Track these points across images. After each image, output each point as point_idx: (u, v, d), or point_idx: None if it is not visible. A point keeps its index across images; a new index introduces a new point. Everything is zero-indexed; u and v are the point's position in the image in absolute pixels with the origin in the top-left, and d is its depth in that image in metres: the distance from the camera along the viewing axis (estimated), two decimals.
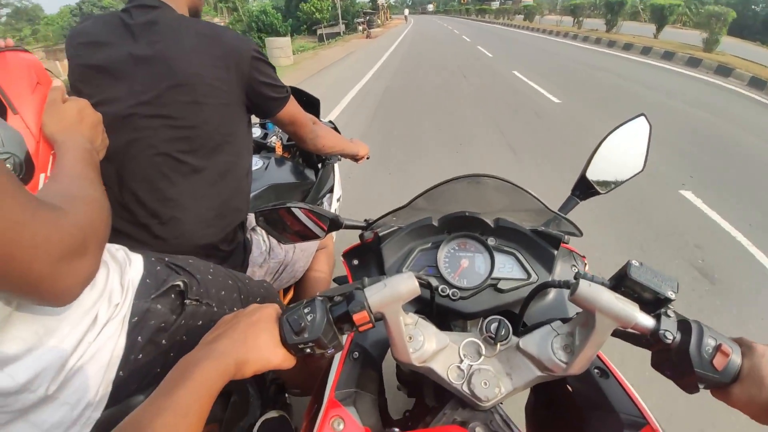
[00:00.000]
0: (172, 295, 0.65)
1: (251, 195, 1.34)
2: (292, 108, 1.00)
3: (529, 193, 0.70)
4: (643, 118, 0.79)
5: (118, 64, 0.81)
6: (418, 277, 0.50)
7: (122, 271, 0.60)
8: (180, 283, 0.66)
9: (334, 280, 0.82)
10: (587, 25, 19.90)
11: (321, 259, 1.38)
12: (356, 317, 0.47)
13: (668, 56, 10.71)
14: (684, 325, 0.45)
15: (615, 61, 10.63)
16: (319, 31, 28.15)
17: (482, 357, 0.53)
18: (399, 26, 37.66)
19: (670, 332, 0.44)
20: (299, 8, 28.13)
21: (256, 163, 1.59)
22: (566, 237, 0.69)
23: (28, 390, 0.46)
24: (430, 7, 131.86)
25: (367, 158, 1.45)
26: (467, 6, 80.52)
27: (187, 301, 0.66)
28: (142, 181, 0.84)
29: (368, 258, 0.76)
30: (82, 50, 0.82)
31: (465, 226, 0.72)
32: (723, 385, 0.43)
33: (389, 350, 0.55)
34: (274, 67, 0.94)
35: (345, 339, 0.52)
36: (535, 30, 22.87)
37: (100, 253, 0.49)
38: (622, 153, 0.79)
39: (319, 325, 0.46)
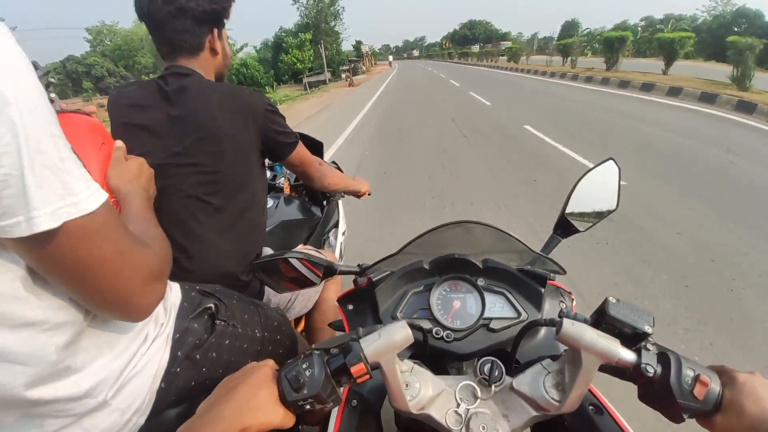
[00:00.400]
0: (205, 317, 0.74)
1: (266, 231, 1.46)
2: (301, 151, 1.13)
3: (513, 237, 0.74)
4: (611, 161, 0.85)
5: (157, 124, 0.95)
6: (410, 323, 0.51)
7: (166, 297, 0.69)
8: (212, 305, 0.75)
9: (330, 325, 0.84)
10: (581, 64, 19.12)
11: (330, 289, 1.45)
12: (353, 369, 0.47)
13: (708, 98, 8.68)
14: (663, 357, 0.47)
15: (638, 105, 8.88)
16: (304, 80, 28.38)
17: (478, 400, 0.53)
18: (383, 72, 37.33)
19: (651, 365, 0.46)
20: (281, 59, 28.60)
21: (268, 201, 1.70)
22: (552, 275, 0.72)
23: (90, 396, 0.53)
24: (415, 53, 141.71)
25: (369, 194, 1.55)
26: (449, 50, 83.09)
27: (218, 322, 0.75)
28: (173, 221, 0.96)
29: (363, 302, 0.77)
30: (126, 111, 0.97)
31: (455, 268, 0.74)
32: (707, 414, 0.45)
33: (387, 397, 0.55)
34: (284, 117, 1.08)
35: (342, 391, 0.52)
36: (525, 71, 21.80)
37: (167, 281, 0.59)
38: (595, 193, 0.85)
39: (318, 379, 0.46)
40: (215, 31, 1.02)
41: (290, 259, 0.75)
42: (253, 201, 1.05)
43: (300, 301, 1.27)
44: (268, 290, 1.15)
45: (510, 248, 0.77)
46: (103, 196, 0.44)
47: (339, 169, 2.00)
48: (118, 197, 0.70)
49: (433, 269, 0.75)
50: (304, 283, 0.78)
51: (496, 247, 0.78)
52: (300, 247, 1.48)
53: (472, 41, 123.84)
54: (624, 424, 0.55)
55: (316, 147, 2.03)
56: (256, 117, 1.00)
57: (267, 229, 1.46)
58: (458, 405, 0.53)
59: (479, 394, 0.54)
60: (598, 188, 0.85)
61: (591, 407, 0.58)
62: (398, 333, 0.50)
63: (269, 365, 0.50)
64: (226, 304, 0.79)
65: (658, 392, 0.46)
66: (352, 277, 0.81)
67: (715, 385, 0.44)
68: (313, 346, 0.51)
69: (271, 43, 43.87)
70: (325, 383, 0.47)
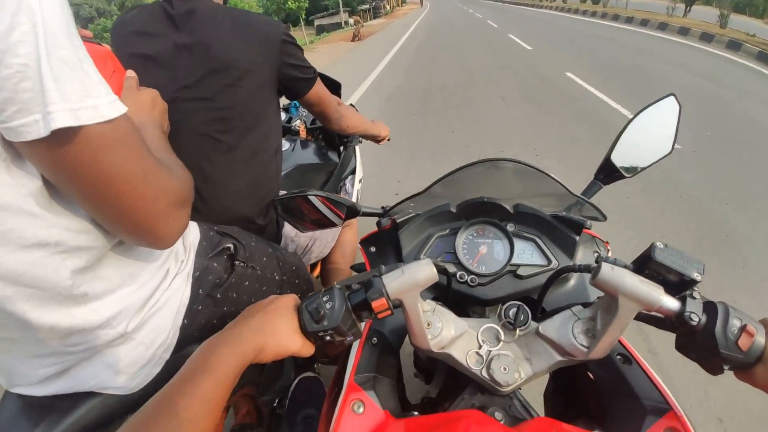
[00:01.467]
0: (225, 256, 0.73)
1: (282, 173, 1.42)
2: (319, 89, 1.06)
3: (551, 177, 0.69)
4: (672, 98, 0.77)
5: (163, 53, 0.89)
6: (435, 264, 0.51)
7: (184, 235, 0.68)
8: (231, 245, 0.74)
9: (352, 267, 0.84)
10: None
11: (346, 235, 1.44)
12: (375, 304, 0.48)
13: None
14: (709, 306, 0.45)
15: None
16: (316, 22, 25.06)
17: (501, 343, 0.53)
18: (410, 14, 28.35)
19: (696, 314, 0.44)
20: None
21: (284, 144, 1.67)
22: (588, 222, 0.68)
23: (109, 326, 0.53)
24: None
25: (388, 140, 1.50)
26: None
27: (237, 262, 0.74)
28: (186, 161, 0.92)
29: (385, 245, 0.77)
30: (130, 39, 0.90)
31: (484, 212, 0.72)
32: (747, 366, 0.43)
33: (407, 337, 0.56)
34: (302, 49, 1.00)
35: (363, 326, 0.52)
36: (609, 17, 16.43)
37: (191, 206, 0.57)
38: (649, 135, 0.77)
39: (338, 312, 0.47)
40: None
41: (311, 198, 0.73)
42: (266, 141, 1.01)
43: (317, 246, 1.26)
44: (285, 235, 1.14)
45: (546, 190, 0.74)
46: (123, 107, 0.42)
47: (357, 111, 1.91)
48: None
49: (461, 213, 0.73)
50: (326, 223, 0.77)
51: (530, 190, 0.75)
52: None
53: None
54: (654, 376, 0.54)
55: (334, 87, 1.93)
56: (272, 48, 0.92)
57: (283, 173, 1.44)
58: (480, 346, 0.53)
59: (502, 337, 0.53)
60: (653, 128, 0.77)
61: (619, 357, 0.57)
62: (422, 270, 0.49)
63: (291, 297, 0.52)
64: (245, 245, 0.78)
65: (700, 342, 0.45)
66: (373, 220, 0.79)
67: (761, 337, 0.43)
68: (335, 282, 0.51)
69: None
70: (345, 316, 0.48)
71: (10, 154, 0.38)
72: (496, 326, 0.54)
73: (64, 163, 0.39)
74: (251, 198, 1.01)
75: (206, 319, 0.68)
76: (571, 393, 0.69)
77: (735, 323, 0.43)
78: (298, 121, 1.90)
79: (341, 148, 1.87)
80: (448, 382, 0.71)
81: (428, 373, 0.85)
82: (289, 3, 18.89)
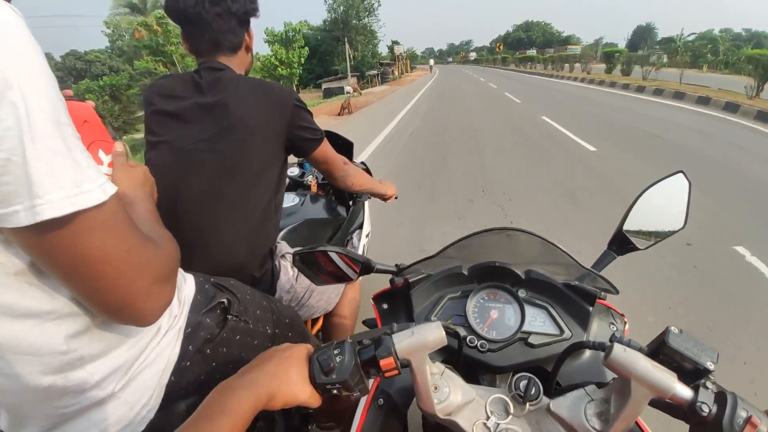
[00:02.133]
0: (218, 311, 0.73)
1: (288, 228, 1.46)
2: (326, 149, 1.14)
3: (561, 249, 0.71)
4: (681, 175, 0.79)
5: (187, 111, 0.99)
6: (445, 327, 0.51)
7: (180, 289, 0.68)
8: (225, 300, 0.75)
9: (363, 322, 0.84)
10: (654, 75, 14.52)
11: (349, 293, 1.44)
12: (383, 363, 0.48)
13: None
14: (720, 397, 0.44)
15: None
16: (324, 86, 25.22)
17: (510, 416, 0.52)
18: (417, 81, 27.71)
19: (707, 405, 0.43)
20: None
21: (293, 199, 1.73)
22: (602, 293, 0.68)
23: (99, 387, 0.52)
24: (473, 55, 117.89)
25: (395, 198, 1.54)
26: (503, 54, 65.47)
27: (230, 317, 0.74)
28: (189, 210, 0.97)
29: (397, 303, 0.77)
30: (158, 99, 1.01)
31: (495, 277, 0.72)
32: None
33: (414, 399, 0.55)
34: (311, 113, 1.10)
35: (371, 383, 0.52)
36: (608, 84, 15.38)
37: (176, 283, 0.57)
38: (660, 208, 0.79)
39: (347, 367, 0.48)
40: (250, 30, 1.08)
41: (330, 253, 0.75)
42: (269, 194, 1.06)
43: (315, 299, 1.26)
44: (280, 287, 1.15)
45: (556, 260, 0.74)
46: (112, 188, 0.43)
47: (368, 170, 2.01)
48: (125, 201, 0.70)
49: (472, 276, 0.74)
50: (341, 277, 0.79)
51: (541, 258, 0.75)
52: None
53: (527, 45, 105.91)
54: None
55: (346, 147, 2.06)
56: (284, 110, 1.02)
57: (290, 227, 1.48)
58: (488, 417, 0.52)
59: (512, 410, 0.52)
60: (664, 202, 0.79)
61: None
62: (432, 333, 0.49)
63: (305, 346, 0.53)
64: (240, 298, 0.79)
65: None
66: (381, 277, 0.80)
67: (764, 427, 0.42)
68: (348, 336, 0.52)
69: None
70: (354, 371, 0.48)
71: (2, 236, 0.40)
72: (505, 397, 0.53)
73: (42, 247, 0.40)
74: (248, 249, 1.04)
75: (194, 375, 0.66)
76: None
77: (741, 414, 0.42)
78: (311, 176, 2.00)
79: (350, 203, 1.93)
80: None
81: None
82: (279, 70, 18.91)
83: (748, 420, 0.42)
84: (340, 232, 1.74)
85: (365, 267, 0.76)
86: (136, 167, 0.72)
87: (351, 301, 1.43)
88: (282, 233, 1.42)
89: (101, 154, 0.69)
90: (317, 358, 0.49)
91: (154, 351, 0.60)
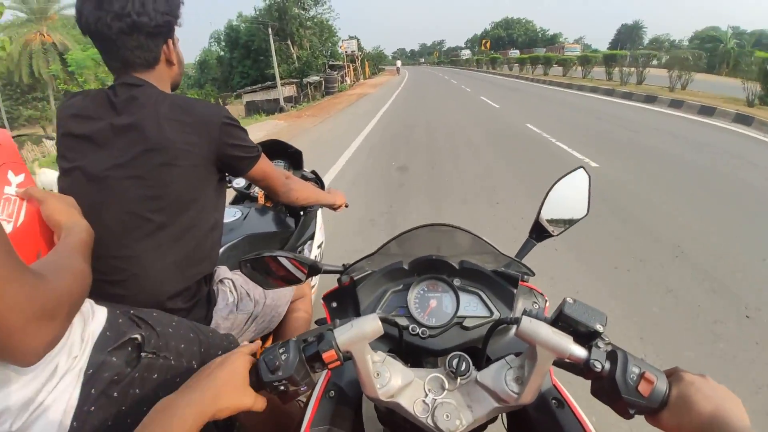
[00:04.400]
0: (129, 348, 0.70)
1: (227, 245, 1.41)
2: (264, 165, 1.10)
3: (486, 241, 0.81)
4: (582, 170, 0.94)
5: (100, 134, 0.92)
6: (384, 319, 0.57)
7: (85, 324, 0.65)
8: (138, 336, 0.71)
9: (315, 322, 0.89)
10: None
11: (300, 307, 1.42)
12: (325, 356, 0.54)
13: None
14: (612, 355, 0.51)
15: None
16: (246, 98, 18.85)
17: (445, 391, 0.59)
18: (377, 91, 20.66)
19: (599, 361, 0.50)
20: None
21: (235, 213, 1.68)
22: (525, 276, 0.78)
23: None
24: (466, 54, 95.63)
25: (346, 206, 1.55)
26: (489, 54, 52.83)
27: (143, 354, 0.71)
28: (107, 240, 0.91)
29: (346, 300, 0.83)
30: (70, 122, 0.94)
31: (433, 269, 0.79)
32: (652, 411, 0.49)
33: None
34: (244, 130, 1.05)
35: (319, 378, 0.58)
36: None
37: (69, 320, 0.55)
38: (568, 200, 0.92)
39: (292, 363, 0.53)
40: (170, 41, 1.00)
41: (279, 257, 0.80)
42: (202, 218, 1.01)
43: (260, 323, 1.24)
44: (216, 314, 1.12)
45: (485, 251, 0.84)
46: None
47: (318, 178, 1.98)
48: (59, 231, 0.69)
49: (412, 269, 0.81)
50: (291, 279, 0.83)
51: (472, 250, 0.84)
52: None
53: (507, 44, 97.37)
54: (582, 417, 0.62)
55: (294, 155, 2.01)
56: (210, 130, 0.96)
57: (230, 243, 1.44)
58: (426, 395, 0.58)
59: (446, 386, 0.59)
60: (570, 194, 0.92)
61: (554, 401, 0.64)
62: (369, 324, 0.56)
63: (242, 353, 0.56)
64: (159, 332, 0.75)
65: (606, 388, 0.51)
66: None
67: (662, 384, 0.48)
68: (293, 337, 0.57)
69: (223, 38, 29.95)
70: (299, 367, 0.53)
71: None
72: (441, 375, 0.60)
73: None
74: (178, 277, 0.99)
75: (100, 421, 0.63)
76: None
77: (633, 370, 0.49)
78: (257, 188, 1.93)
79: (301, 213, 1.90)
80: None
81: (392, 427, 0.86)
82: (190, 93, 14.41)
83: (641, 375, 0.48)
84: (288, 245, 1.71)
85: (312, 268, 0.81)
86: (67, 197, 0.74)
87: (300, 318, 1.41)
88: (221, 251, 1.36)
89: (10, 174, 0.70)
90: (263, 359, 0.54)
91: (51, 395, 0.57)
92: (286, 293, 1.32)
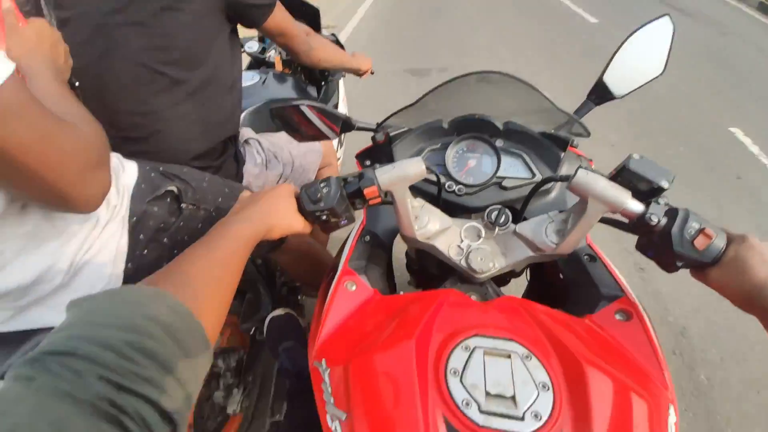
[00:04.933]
0: (168, 200, 0.72)
1: (249, 110, 1.36)
2: (280, 16, 0.99)
3: (542, 94, 0.75)
4: (667, 18, 0.80)
5: None
6: (427, 167, 0.56)
7: (117, 176, 0.66)
8: (174, 188, 0.73)
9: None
10: None
11: (326, 176, 1.40)
12: (366, 191, 0.54)
13: None
14: (672, 211, 0.50)
15: None
16: None
17: (481, 239, 0.61)
18: None
19: (656, 215, 0.49)
20: None
21: (253, 77, 1.57)
22: (574, 140, 0.74)
23: (43, 281, 0.55)
24: None
25: (371, 73, 1.44)
26: None
27: (183, 205, 0.74)
28: (122, 93, 0.88)
29: (380, 158, 0.82)
30: None
31: (474, 128, 0.77)
32: (702, 266, 0.49)
33: (398, 237, 0.63)
34: None
35: (357, 214, 0.60)
36: None
37: (109, 162, 0.56)
38: (641, 56, 0.81)
39: (334, 196, 0.54)
40: None
41: (304, 110, 0.75)
42: (218, 75, 0.96)
43: (288, 182, 1.23)
44: (246, 173, 1.12)
45: (536, 107, 0.79)
46: (7, 68, 0.39)
47: (338, 43, 1.79)
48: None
49: (452, 128, 0.78)
50: (319, 136, 0.80)
51: (521, 107, 0.80)
52: None
53: None
54: (614, 270, 0.63)
55: (310, 15, 1.78)
56: None
57: (251, 108, 1.38)
58: (461, 241, 0.61)
59: (483, 235, 0.61)
60: (646, 49, 0.81)
61: (586, 256, 0.66)
62: (413, 166, 0.55)
63: (288, 186, 0.58)
64: (194, 186, 0.77)
65: (657, 242, 0.51)
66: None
67: (720, 241, 0.47)
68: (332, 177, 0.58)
69: None
70: (340, 200, 0.55)
71: None
72: (478, 225, 0.62)
73: None
74: (203, 136, 0.97)
75: (155, 264, 0.68)
76: (545, 295, 0.79)
77: (694, 225, 0.48)
78: (273, 51, 1.77)
79: (323, 82, 1.76)
80: (433, 278, 0.79)
81: (420, 277, 0.95)
82: None
83: (701, 230, 0.47)
84: None
85: (345, 124, 0.78)
86: (27, 28, 0.59)
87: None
88: (242, 116, 1.31)
89: None
90: (305, 191, 0.56)
91: (97, 242, 0.61)
92: (313, 159, 1.31)
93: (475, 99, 0.78)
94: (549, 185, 0.74)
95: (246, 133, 1.20)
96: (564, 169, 0.75)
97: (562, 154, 0.73)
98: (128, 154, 0.89)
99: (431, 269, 0.80)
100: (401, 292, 0.75)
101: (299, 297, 1.40)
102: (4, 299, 0.53)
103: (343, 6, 5.44)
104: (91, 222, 0.60)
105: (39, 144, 0.42)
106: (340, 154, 1.83)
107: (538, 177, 0.72)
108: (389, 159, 0.77)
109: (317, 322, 0.58)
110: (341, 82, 1.84)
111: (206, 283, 0.41)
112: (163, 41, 0.86)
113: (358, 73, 1.39)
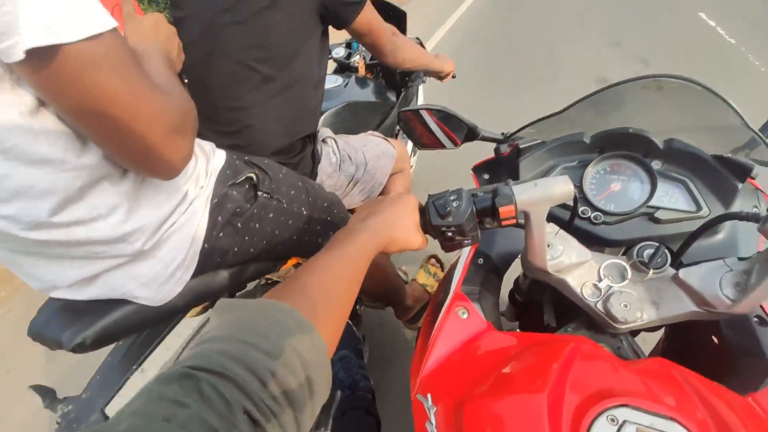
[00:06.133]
0: (246, 186, 0.75)
1: (329, 111, 1.39)
2: (369, 16, 1.00)
3: (727, 103, 0.61)
4: None
5: None
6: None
7: (208, 160, 0.71)
8: (253, 175, 0.75)
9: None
10: None
11: (398, 182, 1.38)
12: (503, 210, 0.48)
13: None
14: None
15: None
16: None
17: (626, 281, 0.51)
18: None
19: None
20: None
21: (336, 80, 1.62)
22: (755, 171, 0.61)
23: (125, 241, 0.57)
24: None
25: (453, 77, 1.40)
26: None
27: (259, 193, 0.76)
28: (221, 90, 0.93)
29: (500, 173, 0.75)
30: None
31: (625, 146, 0.65)
32: None
33: (519, 257, 0.57)
34: None
35: (481, 235, 0.55)
36: None
37: (194, 136, 0.58)
38: None
39: (464, 211, 0.49)
40: None
41: (427, 120, 0.74)
42: (306, 74, 0.99)
43: (359, 188, 1.25)
44: (321, 172, 1.14)
45: (712, 123, 0.66)
46: (110, 22, 0.41)
47: (422, 45, 1.76)
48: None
49: (596, 144, 0.68)
50: (438, 145, 0.79)
51: (691, 121, 0.68)
52: (369, 133, 1.38)
53: None
54: None
55: (397, 17, 1.79)
56: None
57: (332, 110, 1.41)
58: (600, 280, 0.52)
59: (629, 276, 0.52)
60: None
61: (756, 319, 0.54)
62: (559, 186, 0.48)
63: (412, 196, 0.56)
64: (271, 177, 0.79)
65: None
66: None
67: None
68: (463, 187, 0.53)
69: None
70: (470, 217, 0.50)
71: (15, 75, 0.41)
72: (624, 263, 0.52)
73: (46, 83, 0.40)
74: (286, 132, 1.01)
75: (228, 246, 0.71)
76: (686, 355, 0.66)
77: None
78: (358, 56, 1.81)
79: (403, 88, 1.75)
80: (536, 321, 0.71)
81: (519, 309, 0.87)
82: None
83: None
84: (388, 119, 1.61)
85: (469, 133, 0.74)
86: (145, 17, 0.67)
87: (400, 188, 1.40)
88: (323, 117, 1.35)
89: None
90: (433, 203, 0.51)
91: (183, 216, 0.63)
92: (386, 163, 1.29)
93: (627, 111, 0.67)
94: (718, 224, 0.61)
95: (324, 132, 1.23)
96: (737, 205, 0.62)
97: (740, 185, 0.60)
98: (221, 147, 0.98)
99: (544, 306, 0.70)
100: (517, 329, 0.67)
101: (357, 307, 1.38)
102: (88, 246, 0.55)
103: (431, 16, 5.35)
104: (179, 197, 0.63)
105: (129, 97, 0.44)
106: (413, 162, 1.81)
107: (705, 211, 0.60)
108: (512, 175, 0.71)
109: (422, 349, 0.54)
110: (421, 88, 1.82)
111: (329, 299, 0.40)
112: (261, 39, 0.90)
113: (440, 76, 1.36)
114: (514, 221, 0.49)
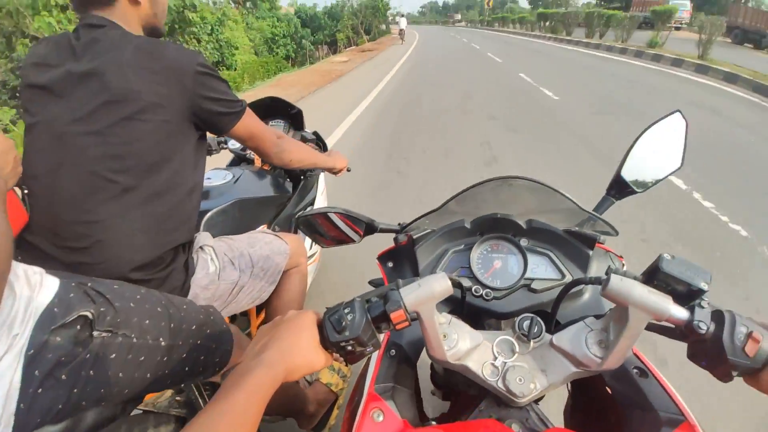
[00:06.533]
0: (78, 327, 0.63)
1: (214, 211, 1.30)
2: (249, 122, 1.01)
3: (562, 194, 0.73)
4: (678, 114, 0.83)
5: (58, 83, 0.84)
6: (450, 278, 0.54)
7: (30, 298, 0.60)
8: (88, 313, 0.64)
9: (370, 282, 0.87)
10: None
11: (293, 278, 1.31)
12: (393, 316, 0.50)
13: None
14: (717, 315, 0.47)
15: None
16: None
17: (516, 354, 0.56)
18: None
19: (704, 323, 0.46)
20: None
21: (225, 176, 1.54)
22: (601, 237, 0.72)
23: None
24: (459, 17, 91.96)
25: (348, 170, 1.45)
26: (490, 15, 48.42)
27: (96, 333, 0.65)
28: (69, 202, 0.85)
29: (402, 260, 0.81)
30: (30, 71, 0.87)
31: (497, 228, 0.75)
32: (754, 371, 0.46)
33: (424, 350, 0.59)
34: (225, 81, 0.95)
35: (382, 338, 0.57)
36: None
37: (3, 273, 0.52)
38: (657, 151, 0.83)
39: (359, 323, 0.50)
40: None
41: (330, 215, 0.78)
42: (176, 181, 0.93)
43: (246, 293, 1.15)
44: (194, 284, 1.03)
45: (557, 206, 0.77)
46: None
47: (320, 139, 1.84)
48: None
49: (475, 228, 0.77)
50: (344, 240, 0.83)
51: (542, 206, 0.78)
52: (261, 229, 1.31)
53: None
54: (670, 388, 0.57)
55: (293, 115, 1.84)
56: (183, 80, 0.87)
57: (219, 208, 1.32)
58: (495, 358, 0.56)
59: (517, 349, 0.56)
60: (661, 144, 0.83)
61: (635, 370, 0.60)
62: (437, 284, 0.52)
63: (310, 313, 0.55)
64: (117, 308, 0.68)
65: (709, 350, 0.47)
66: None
67: (766, 343, 0.45)
68: (356, 296, 0.55)
69: None
70: (366, 327, 0.51)
71: None
72: (510, 338, 0.57)
73: None
74: (150, 244, 0.91)
75: (51, 402, 0.59)
76: (590, 409, 0.73)
77: (741, 330, 0.45)
78: None
79: (302, 177, 1.76)
80: (464, 397, 0.72)
81: (445, 389, 0.90)
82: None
83: (749, 335, 0.44)
84: (284, 212, 1.57)
85: (369, 227, 0.80)
86: None
87: (293, 289, 1.30)
88: (207, 216, 1.26)
89: None
90: (329, 319, 0.52)
91: None
92: (278, 261, 1.22)
93: (495, 199, 0.78)
94: (581, 286, 0.69)
95: (202, 239, 1.12)
96: (594, 268, 0.72)
97: (591, 252, 0.70)
98: (68, 265, 0.86)
99: (460, 386, 0.71)
100: (429, 409, 0.67)
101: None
102: None
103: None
104: None
105: None
106: (315, 250, 1.76)
107: (568, 277, 0.69)
108: (411, 261, 0.77)
109: None
110: (321, 176, 1.84)
111: None
112: (119, 150, 0.84)
113: (333, 171, 1.39)
114: (407, 323, 0.52)
